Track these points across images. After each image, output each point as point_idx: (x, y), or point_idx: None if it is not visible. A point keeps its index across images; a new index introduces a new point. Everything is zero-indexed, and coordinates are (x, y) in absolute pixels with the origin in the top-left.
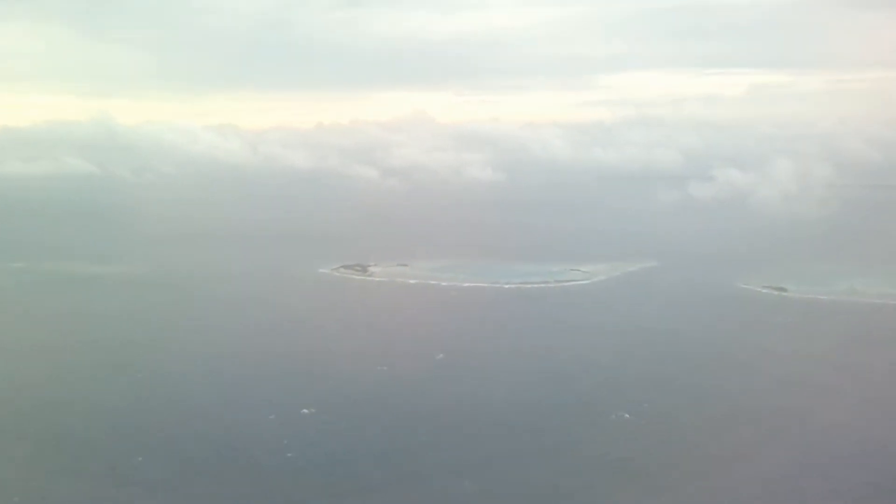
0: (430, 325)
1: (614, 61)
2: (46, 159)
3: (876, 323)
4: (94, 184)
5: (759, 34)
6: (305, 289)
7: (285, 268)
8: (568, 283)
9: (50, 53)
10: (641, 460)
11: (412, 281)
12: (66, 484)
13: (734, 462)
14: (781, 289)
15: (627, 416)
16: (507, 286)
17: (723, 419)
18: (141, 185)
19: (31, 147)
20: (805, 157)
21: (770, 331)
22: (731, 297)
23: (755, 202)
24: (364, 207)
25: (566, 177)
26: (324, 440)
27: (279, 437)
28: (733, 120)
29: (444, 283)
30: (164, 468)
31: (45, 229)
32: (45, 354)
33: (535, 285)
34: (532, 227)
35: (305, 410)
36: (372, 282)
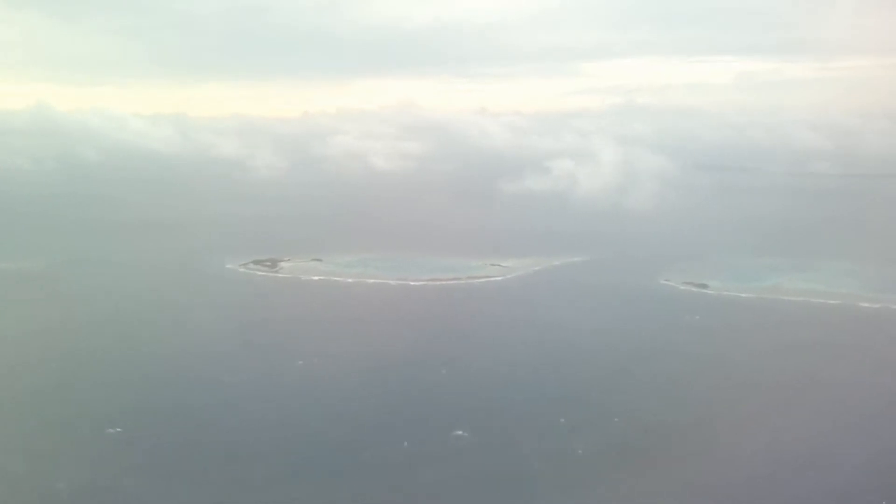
0: (306, 328)
1: (601, 49)
2: None
3: (795, 322)
4: None
5: (745, 20)
6: (198, 285)
7: (189, 262)
8: (481, 279)
9: (25, 41)
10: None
11: (316, 277)
12: None
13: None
14: (703, 285)
15: (463, 433)
16: (413, 283)
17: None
18: (39, 175)
19: None
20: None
21: (679, 331)
22: (649, 294)
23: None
24: (288, 198)
25: (498, 166)
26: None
27: None
28: (721, 107)
29: (349, 280)
30: None
31: None
32: None
33: (445, 282)
34: (464, 218)
35: (111, 430)
36: (275, 278)
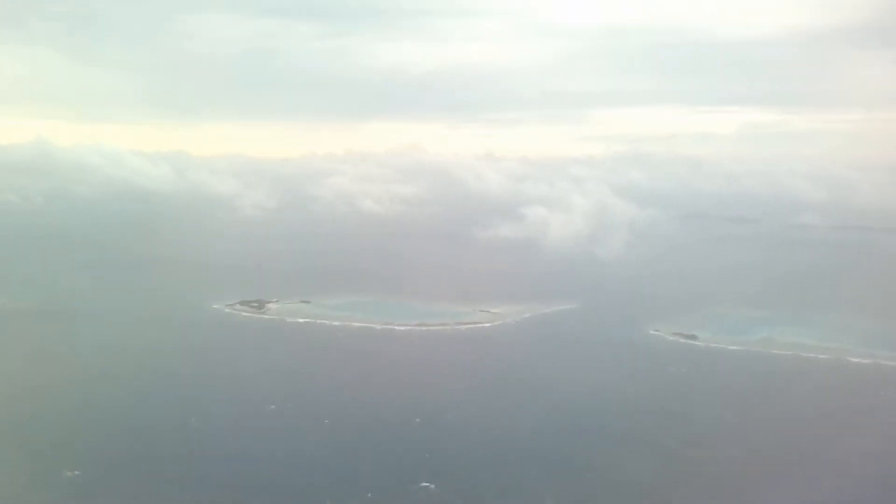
0: (284, 372)
1: (608, 96)
2: None
3: (781, 376)
4: None
5: (750, 72)
6: (180, 325)
7: (175, 301)
8: (469, 325)
9: (35, 77)
10: None
11: (301, 320)
12: None
13: None
14: (692, 336)
15: (430, 485)
16: (399, 328)
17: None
18: (26, 211)
19: None
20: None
21: (662, 384)
22: (637, 344)
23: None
24: (279, 238)
25: (492, 211)
26: None
27: None
28: (725, 157)
29: (335, 323)
30: None
31: None
32: None
33: (432, 328)
34: (456, 263)
35: (68, 473)
36: (259, 319)
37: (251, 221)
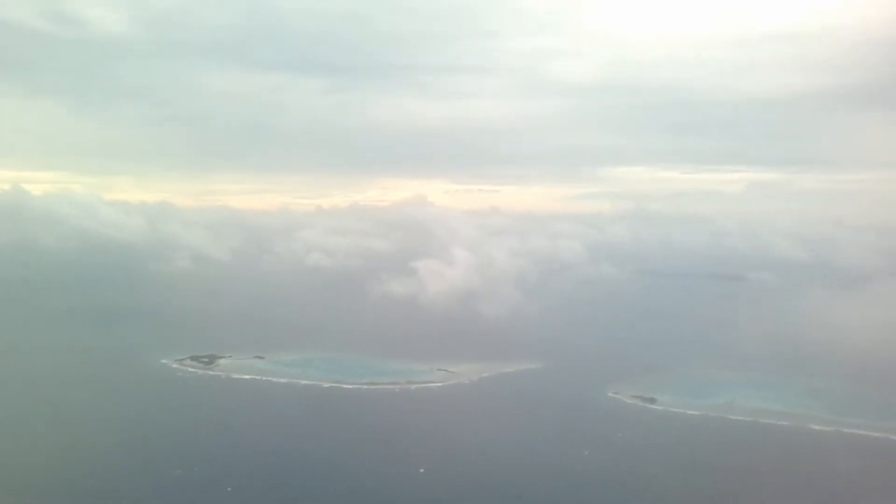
0: (203, 435)
1: (612, 154)
2: None
3: (729, 443)
4: None
5: (754, 132)
6: (120, 380)
7: (124, 355)
8: (420, 384)
9: (40, 129)
10: None
11: (248, 377)
12: None
13: None
14: (651, 399)
15: None
16: (348, 386)
17: None
18: None
19: None
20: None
21: (600, 451)
22: (592, 407)
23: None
24: (241, 292)
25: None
26: None
27: None
28: (732, 216)
29: (282, 381)
30: None
31: None
32: None
33: (381, 386)
34: (421, 319)
35: None
36: (203, 376)
37: (222, 275)
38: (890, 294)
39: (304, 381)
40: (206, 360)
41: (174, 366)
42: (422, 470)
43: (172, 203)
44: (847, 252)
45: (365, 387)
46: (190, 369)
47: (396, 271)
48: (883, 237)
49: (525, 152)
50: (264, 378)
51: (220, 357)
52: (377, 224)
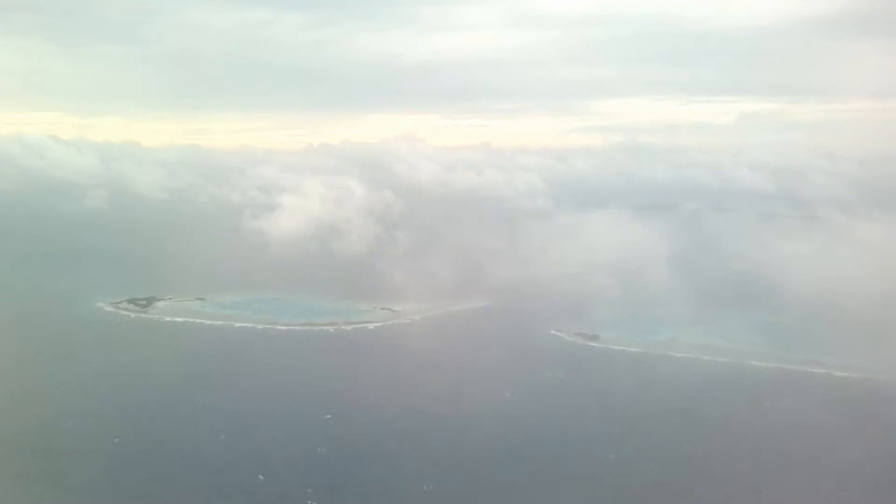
0: (110, 383)
1: (604, 87)
2: None
3: (668, 380)
4: None
5: (747, 62)
6: (47, 324)
7: (58, 299)
8: (358, 324)
9: (28, 69)
10: None
11: (180, 319)
12: None
13: None
14: (594, 337)
15: None
16: (280, 327)
17: None
18: None
19: None
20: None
21: (527, 392)
22: (530, 345)
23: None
24: (195, 232)
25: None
26: None
27: None
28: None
29: (216, 323)
30: None
31: None
32: None
33: (317, 327)
34: (376, 257)
35: None
36: (133, 319)
37: (175, 213)
38: (846, 226)
39: (237, 324)
40: (143, 302)
41: (108, 309)
42: (328, 416)
43: (139, 143)
44: (818, 183)
45: (298, 328)
46: (123, 312)
47: (345, 210)
48: (864, 167)
49: (517, 86)
50: (197, 321)
51: (160, 300)
52: (344, 162)
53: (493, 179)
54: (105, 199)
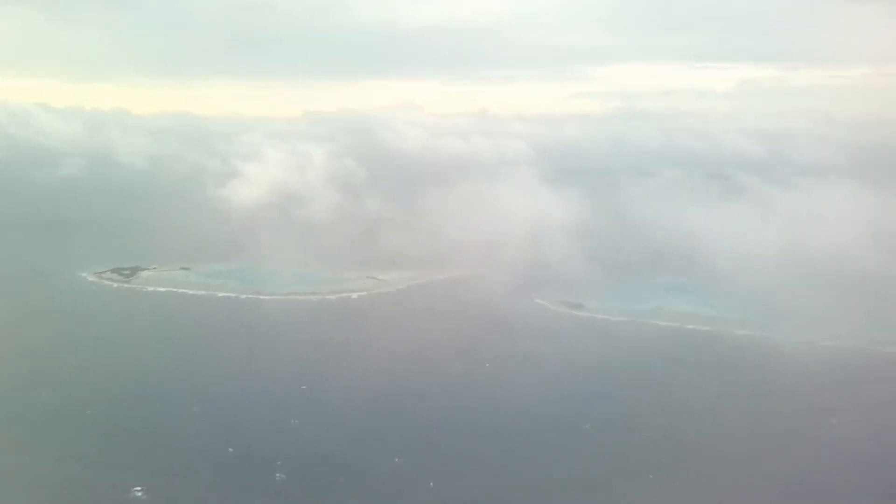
0: (83, 354)
1: (604, 52)
2: None
3: (646, 349)
4: None
5: (747, 28)
6: (31, 296)
7: (41, 270)
8: (342, 294)
9: (18, 36)
10: None
11: (162, 289)
12: None
13: None
14: (578, 305)
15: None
16: (264, 297)
17: None
18: None
19: None
20: None
21: (498, 360)
22: (513, 314)
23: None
24: (173, 200)
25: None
26: None
27: None
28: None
29: (200, 293)
30: None
31: None
32: None
33: (301, 297)
34: (363, 225)
35: None
36: (115, 289)
37: (161, 181)
38: (830, 193)
39: (221, 293)
40: (127, 272)
41: (91, 279)
42: (304, 387)
43: (129, 111)
44: (809, 149)
45: (282, 297)
46: (106, 282)
47: (328, 178)
48: (858, 132)
49: (517, 52)
50: (181, 290)
51: (144, 269)
52: (335, 130)
53: (478, 146)
54: (81, 167)
